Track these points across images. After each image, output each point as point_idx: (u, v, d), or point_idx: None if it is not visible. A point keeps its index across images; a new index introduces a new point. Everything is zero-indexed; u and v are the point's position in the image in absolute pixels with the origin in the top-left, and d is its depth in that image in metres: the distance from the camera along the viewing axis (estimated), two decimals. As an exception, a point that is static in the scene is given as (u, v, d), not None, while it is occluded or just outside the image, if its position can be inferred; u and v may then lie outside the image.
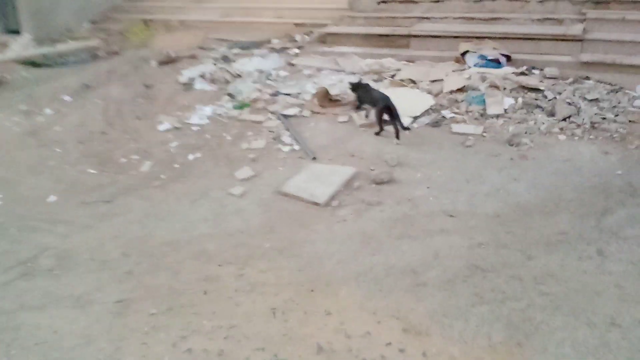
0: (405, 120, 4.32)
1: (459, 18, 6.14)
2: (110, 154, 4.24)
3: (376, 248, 2.83)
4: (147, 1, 9.58)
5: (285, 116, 4.71)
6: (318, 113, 4.77)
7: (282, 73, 5.70)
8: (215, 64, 5.98)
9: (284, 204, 3.37)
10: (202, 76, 5.62)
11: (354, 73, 5.53)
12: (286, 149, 4.13)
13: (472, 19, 6.06)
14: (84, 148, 4.37)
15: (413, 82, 5.02)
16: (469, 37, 5.70)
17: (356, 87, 4.56)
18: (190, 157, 4.14)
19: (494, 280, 2.50)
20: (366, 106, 4.50)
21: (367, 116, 4.47)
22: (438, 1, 6.56)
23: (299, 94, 5.17)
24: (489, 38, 5.57)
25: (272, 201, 3.42)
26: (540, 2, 5.99)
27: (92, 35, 8.26)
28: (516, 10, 6.10)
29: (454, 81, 4.76)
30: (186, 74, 5.72)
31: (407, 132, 4.21)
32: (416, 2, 6.66)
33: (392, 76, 5.32)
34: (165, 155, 4.18)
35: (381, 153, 3.91)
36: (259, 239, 3.01)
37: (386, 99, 4.17)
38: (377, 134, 4.21)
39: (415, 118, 4.36)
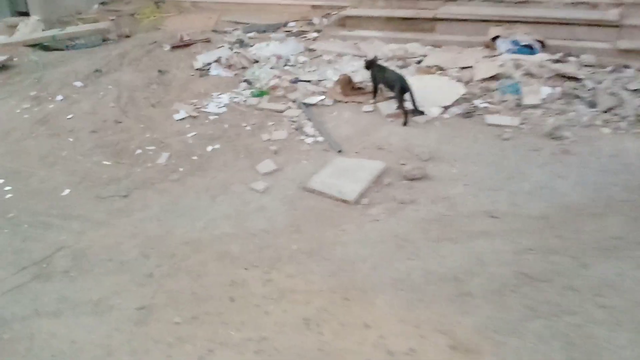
0: (435, 110, 4.09)
1: (487, 1, 5.82)
2: (125, 144, 4.05)
3: (413, 252, 2.63)
4: (157, -19, 9.29)
5: (307, 105, 4.49)
6: (340, 101, 4.54)
7: (301, 58, 5.45)
8: (231, 49, 5.74)
9: (310, 202, 3.18)
10: (218, 61, 5.39)
11: (378, 57, 5.27)
12: (309, 140, 3.92)
13: (501, 1, 5.74)
14: (97, 138, 4.19)
15: (441, 69, 4.76)
16: (498, 22, 5.39)
17: (370, 64, 4.37)
18: (209, 148, 3.94)
19: (547, 291, 2.31)
20: (381, 86, 4.36)
21: (374, 97, 4.40)
22: (463, -17, 6.24)
23: (320, 81, 4.93)
24: (520, 22, 5.27)
25: (297, 198, 3.22)
26: (573, -16, 5.66)
27: (102, 18, 8.01)
28: (547, -8, 5.78)
29: (485, 68, 4.50)
30: (201, 59, 5.49)
31: (422, 118, 4.00)
32: (440, -16, 6.34)
33: (419, 62, 5.06)
34: (183, 146, 3.99)
35: (411, 146, 3.69)
36: (285, 240, 2.83)
37: (402, 79, 4.08)
38: (404, 124, 3.99)
39: (446, 108, 4.12)
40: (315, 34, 6.19)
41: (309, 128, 4.10)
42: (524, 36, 4.84)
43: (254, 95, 4.71)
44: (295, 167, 3.59)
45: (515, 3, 5.68)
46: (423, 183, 3.24)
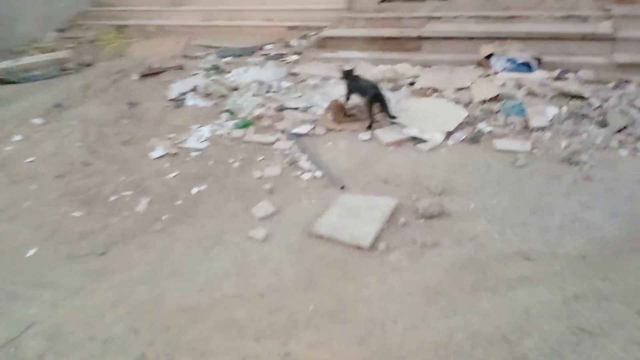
0: (438, 137, 3.86)
1: (473, 17, 5.73)
2: (97, 190, 3.63)
3: (449, 307, 2.34)
4: (118, 5, 8.90)
5: (297, 135, 4.19)
6: (333, 130, 4.26)
7: (285, 84, 5.17)
8: (207, 76, 5.40)
9: (319, 249, 2.85)
10: (194, 90, 5.04)
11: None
12: (306, 176, 3.61)
13: (487, 17, 5.67)
14: (64, 184, 3.74)
15: (436, 90, 4.57)
16: (487, 39, 5.29)
17: (347, 74, 4.33)
18: (195, 190, 3.57)
19: (609, 348, 2.05)
20: (355, 96, 4.33)
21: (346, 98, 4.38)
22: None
23: (308, 107, 4.65)
24: (511, 39, 5.17)
25: (304, 246, 2.89)
26: (559, -3, 5.64)
27: (59, 46, 7.54)
28: (532, 7, 5.74)
29: (485, 89, 4.33)
30: (175, 89, 5.14)
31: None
32: (423, 1, 6.24)
33: (411, 84, 4.86)
34: (164, 189, 3.60)
35: (419, 178, 3.43)
36: (299, 299, 2.49)
37: (375, 87, 4.12)
38: (369, 127, 4.11)
39: (449, 133, 3.90)
40: (295, 57, 5.93)
41: (304, 162, 3.79)
42: (519, 53, 4.71)
43: (238, 127, 4.38)
44: (296, 208, 3.26)
45: (503, 18, 5.60)
46: (442, 221, 2.97)
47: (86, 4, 8.97)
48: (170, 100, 5.00)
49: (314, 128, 4.29)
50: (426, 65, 5.28)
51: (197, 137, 4.29)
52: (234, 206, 3.36)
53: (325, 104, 4.64)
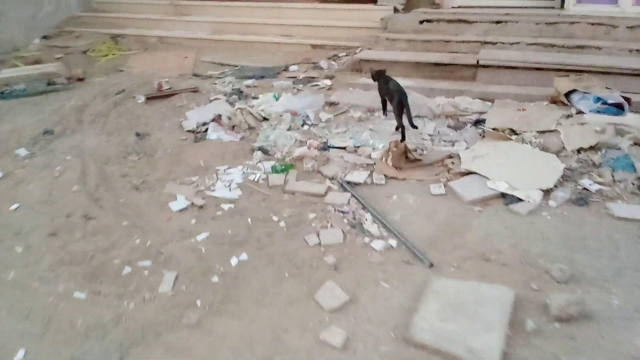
0: (536, 196, 3.17)
1: (534, 44, 5.12)
2: (103, 257, 2.82)
3: None
4: (113, 12, 8.13)
5: (352, 184, 3.46)
6: (395, 178, 3.55)
7: (323, 115, 4.45)
8: (230, 102, 4.65)
9: (426, 367, 2.11)
10: (216, 121, 4.27)
11: (420, 116, 4.36)
12: (378, 245, 2.87)
13: (552, 45, 5.06)
14: (60, 246, 2.92)
15: (514, 132, 3.90)
16: (556, 70, 4.68)
17: (379, 75, 4.29)
18: (234, 261, 2.79)
19: None
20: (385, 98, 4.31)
21: (384, 113, 4.47)
22: (499, 22, 5.54)
23: (357, 147, 3.93)
24: (587, 72, 4.56)
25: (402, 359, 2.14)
26: (631, 28, 5.07)
27: (45, 55, 6.72)
28: (600, 36, 5.16)
29: (577, 134, 3.68)
30: (193, 117, 4.36)
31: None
32: (470, 23, 5.62)
33: (478, 122, 4.18)
34: (193, 258, 2.82)
35: (529, 254, 2.72)
36: None
37: (402, 91, 3.97)
38: (397, 129, 4.07)
39: (547, 191, 3.22)
40: (327, 82, 5.22)
41: (370, 224, 3.05)
42: (606, 91, 4.09)
43: (276, 171, 3.62)
44: (375, 296, 2.51)
45: (571, 48, 5.00)
46: (585, 327, 2.25)
47: (76, 8, 8.16)
48: (188, 131, 4.22)
49: (370, 175, 3.57)
50: (486, 98, 4.62)
51: (226, 182, 3.52)
52: (289, 288, 2.59)
53: (377, 142, 3.93)
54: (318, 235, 2.97)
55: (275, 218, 3.15)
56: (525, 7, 6.15)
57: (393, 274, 2.66)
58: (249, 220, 3.14)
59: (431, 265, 2.69)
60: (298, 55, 6.22)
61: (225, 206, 3.28)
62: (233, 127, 4.21)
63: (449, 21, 5.70)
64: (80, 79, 5.84)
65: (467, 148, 3.77)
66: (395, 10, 6.47)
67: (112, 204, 3.32)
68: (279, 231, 3.04)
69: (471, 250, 2.79)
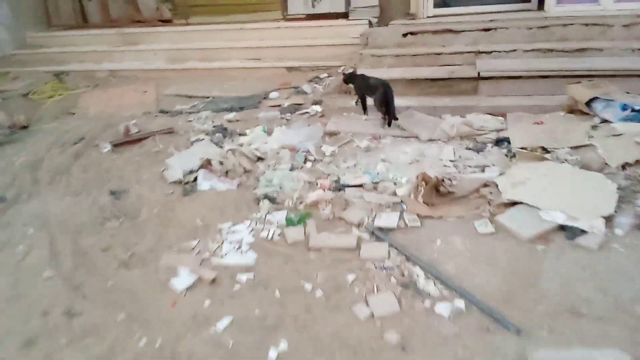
0: (599, 225, 2.80)
1: (532, 51, 4.87)
2: (102, 371, 2.19)
3: None
4: (53, 46, 7.32)
5: (384, 231, 2.98)
6: (430, 217, 3.10)
7: (326, 148, 3.95)
8: (216, 143, 4.07)
9: None
10: (205, 167, 3.68)
11: (433, 140, 3.97)
12: (444, 309, 2.38)
13: (550, 50, 4.83)
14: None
15: (545, 150, 3.56)
16: (563, 77, 4.43)
17: (351, 77, 4.49)
18: (272, 353, 2.23)
19: None
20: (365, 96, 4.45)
21: (357, 103, 4.59)
22: (487, 30, 5.27)
23: (376, 183, 3.46)
24: (593, 76, 4.33)
25: None
26: (626, 26, 4.92)
27: (-22, 102, 5.87)
28: (595, 37, 4.99)
29: (617, 148, 3.37)
30: (175, 165, 3.75)
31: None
32: (457, 32, 5.33)
33: (499, 141, 3.82)
34: (220, 355, 2.23)
35: (621, 300, 2.33)
36: None
37: (385, 84, 4.12)
38: (389, 125, 4.21)
39: (607, 218, 2.86)
40: (317, 108, 4.74)
41: (424, 281, 2.57)
42: (628, 97, 3.84)
43: (292, 223, 3.09)
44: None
45: (570, 52, 4.78)
46: None
47: (9, 46, 7.29)
48: (173, 183, 3.60)
49: (401, 217, 3.10)
50: (496, 113, 4.29)
51: (235, 244, 2.95)
52: (356, 386, 2.06)
53: (399, 176, 3.47)
54: (367, 303, 2.46)
55: (308, 286, 2.61)
56: (502, 12, 5.95)
57: (476, 348, 2.18)
58: (277, 293, 2.58)
59: (518, 331, 2.24)
60: (273, 79, 5.72)
61: (243, 276, 2.70)
62: (227, 172, 3.63)
63: (435, 32, 5.38)
64: (24, 127, 5.08)
65: (501, 174, 3.38)
66: (371, 24, 6.12)
67: (98, 290, 2.66)
68: (317, 304, 2.50)
69: (557, 304, 2.37)
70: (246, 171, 3.69)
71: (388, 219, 3.07)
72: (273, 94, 5.18)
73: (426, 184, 3.25)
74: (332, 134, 4.17)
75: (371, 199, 3.30)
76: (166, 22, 7.53)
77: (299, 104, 4.87)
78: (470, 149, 3.83)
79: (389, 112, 4.15)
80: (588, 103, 3.93)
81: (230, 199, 3.39)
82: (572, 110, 4.08)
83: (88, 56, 6.92)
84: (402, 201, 3.24)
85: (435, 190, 3.25)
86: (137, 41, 7.01)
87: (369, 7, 6.21)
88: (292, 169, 3.68)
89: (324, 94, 5.07)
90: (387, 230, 2.99)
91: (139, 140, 4.25)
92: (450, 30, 5.33)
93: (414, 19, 6.13)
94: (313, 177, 3.57)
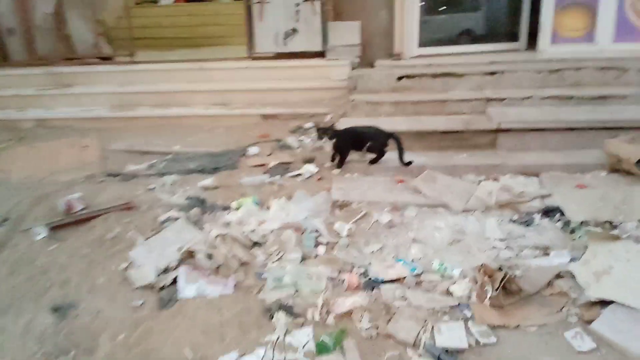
0: None
1: (549, 98, 4.41)
2: None
3: None
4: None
5: (451, 354, 2.22)
6: (503, 327, 2.38)
7: (341, 226, 3.15)
8: (190, 219, 3.16)
9: None
10: (186, 261, 2.76)
11: (468, 210, 3.30)
12: None
13: (570, 98, 4.38)
14: None
15: (612, 225, 2.97)
16: (592, 129, 3.97)
17: (334, 132, 3.89)
18: None
19: None
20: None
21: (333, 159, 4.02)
22: (493, 73, 4.79)
23: (418, 276, 2.71)
24: (626, 128, 3.90)
25: None
26: (641, 69, 4.60)
27: None
28: (610, 82, 4.63)
29: None
30: (142, 259, 2.80)
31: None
32: (459, 76, 4.82)
33: (548, 212, 3.21)
34: None
35: None
36: None
37: (392, 133, 3.83)
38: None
39: None
40: (311, 168, 3.95)
41: None
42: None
43: (325, 350, 2.25)
44: None
45: (591, 100, 4.36)
46: None
47: None
48: (141, 287, 2.65)
49: (467, 329, 2.36)
50: (527, 172, 3.71)
51: (248, 390, 2.06)
52: None
53: (450, 267, 2.74)
54: None
55: None
56: (493, 52, 5.56)
57: None
58: None
59: None
60: (247, 130, 4.89)
61: None
62: (217, 268, 2.74)
63: (434, 76, 4.83)
64: None
65: (573, 259, 2.74)
66: (353, 65, 5.49)
67: None
68: None
69: None
70: (242, 264, 2.81)
71: (453, 335, 2.31)
72: (252, 150, 4.35)
73: (490, 278, 2.56)
74: (342, 206, 3.40)
75: (419, 301, 2.53)
76: (106, 59, 6.54)
77: (287, 163, 4.07)
78: (515, 221, 3.18)
79: (401, 157, 3.82)
80: (638, 162, 3.44)
81: (229, 311, 2.49)
82: (616, 169, 3.58)
83: (8, 101, 5.76)
84: (459, 304, 2.51)
85: (502, 286, 2.55)
86: (72, 82, 5.96)
87: (349, 46, 5.59)
88: (303, 260, 2.85)
89: (313, 148, 4.31)
90: (455, 354, 2.23)
91: (87, 220, 3.25)
92: (451, 74, 4.80)
93: (399, 59, 5.60)
94: (333, 270, 2.76)
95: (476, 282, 2.58)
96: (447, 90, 4.77)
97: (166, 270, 2.74)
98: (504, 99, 4.44)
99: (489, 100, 4.46)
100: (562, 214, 3.17)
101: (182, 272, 2.68)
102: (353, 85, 5.00)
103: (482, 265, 2.62)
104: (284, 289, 2.60)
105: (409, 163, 3.83)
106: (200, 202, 3.37)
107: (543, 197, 3.37)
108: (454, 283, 2.62)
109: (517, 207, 3.31)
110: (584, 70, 4.63)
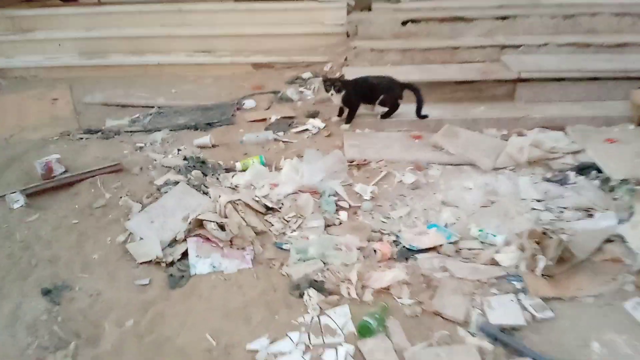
0: None
1: (566, 45, 4.12)
2: None
3: None
4: None
5: (508, 333, 2.00)
6: (558, 299, 2.16)
7: (363, 188, 2.84)
8: (192, 183, 2.78)
9: None
10: (195, 231, 2.41)
11: (499, 168, 3.04)
12: None
13: (588, 45, 4.10)
14: None
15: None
16: (615, 79, 3.73)
17: (344, 85, 3.43)
18: None
19: None
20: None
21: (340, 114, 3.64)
22: (505, 18, 4.44)
23: (455, 243, 2.45)
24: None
25: None
26: (660, 15, 4.35)
27: None
28: (625, 30, 4.36)
29: None
30: (142, 231, 2.44)
31: None
32: (468, 21, 4.47)
33: (582, 169, 2.97)
34: None
35: None
36: None
37: (410, 86, 3.52)
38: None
39: None
40: (318, 123, 3.58)
41: None
42: None
43: (369, 332, 1.98)
44: None
45: (610, 47, 4.10)
46: None
47: None
48: (143, 264, 2.29)
49: (519, 302, 2.13)
50: (552, 126, 3.45)
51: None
52: None
53: (489, 233, 2.48)
54: None
55: None
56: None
57: None
58: None
59: None
60: (238, 80, 4.44)
61: None
62: (231, 241, 2.40)
63: (442, 20, 4.45)
64: None
65: (621, 221, 2.53)
66: (349, 8, 5.03)
67: None
68: None
69: None
70: (259, 233, 2.49)
71: (507, 311, 2.09)
72: (248, 103, 3.92)
73: (539, 245, 2.32)
74: (359, 165, 3.07)
75: (463, 272, 2.28)
76: (70, 0, 5.83)
77: (289, 117, 3.69)
78: (550, 180, 2.94)
79: (419, 109, 3.54)
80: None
81: (252, 290, 2.18)
82: (645, 122, 3.38)
83: (-40, 48, 5.08)
84: (507, 275, 2.28)
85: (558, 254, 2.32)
86: (32, 27, 5.28)
87: (344, -13, 5.11)
88: (327, 227, 2.55)
89: (317, 101, 3.93)
90: (510, 330, 2.01)
91: (70, 185, 2.83)
92: (460, 18, 4.42)
93: (398, 1, 5.15)
94: (362, 238, 2.47)
95: (522, 250, 2.34)
96: (455, 36, 4.41)
97: (172, 244, 2.39)
98: (519, 46, 4.12)
99: (503, 47, 4.14)
100: (599, 171, 2.95)
101: (191, 245, 2.34)
102: (353, 30, 4.57)
103: (528, 230, 2.37)
104: (310, 262, 2.30)
105: (425, 116, 3.52)
106: (201, 163, 2.97)
107: (574, 153, 3.13)
108: (498, 251, 2.38)
109: (549, 164, 3.07)
110: (599, 16, 4.34)
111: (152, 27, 5.15)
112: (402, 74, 3.79)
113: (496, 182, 2.93)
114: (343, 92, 3.43)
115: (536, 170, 3.04)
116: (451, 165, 3.10)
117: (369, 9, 5.10)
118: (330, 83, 3.41)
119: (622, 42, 4.08)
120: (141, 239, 2.40)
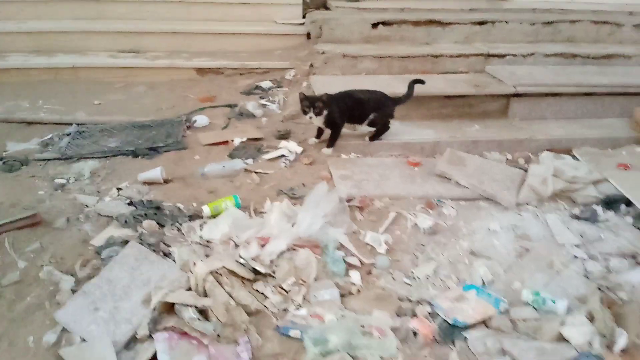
0: None
1: (554, 56, 3.84)
2: None
3: None
4: None
5: None
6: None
7: (375, 238, 2.25)
8: (143, 240, 2.03)
9: None
10: (164, 321, 1.69)
11: (520, 205, 2.60)
12: None
13: (574, 56, 3.85)
14: None
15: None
16: (609, 94, 3.49)
17: (329, 100, 2.79)
18: None
19: None
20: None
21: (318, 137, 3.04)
22: (483, 23, 4.09)
23: (503, 313, 1.95)
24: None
25: None
26: (637, 26, 4.21)
27: None
28: (605, 39, 4.20)
29: None
30: (80, 324, 1.67)
31: None
32: (443, 24, 4.06)
33: (609, 203, 2.61)
34: None
35: None
36: None
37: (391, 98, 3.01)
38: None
39: None
40: (294, 146, 2.93)
41: None
42: None
43: None
44: None
45: (597, 59, 3.88)
46: None
47: None
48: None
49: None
50: (556, 149, 3.11)
51: None
52: None
53: (550, 298, 2.00)
54: None
55: None
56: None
57: None
58: None
59: None
60: (179, 89, 3.66)
61: None
62: (218, 335, 1.71)
63: (416, 23, 3.99)
64: None
65: None
66: (306, 5, 4.44)
67: None
68: None
69: None
70: (251, 314, 1.82)
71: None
72: (199, 119, 3.18)
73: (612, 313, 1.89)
74: (361, 207, 2.48)
75: (529, 357, 1.78)
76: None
77: (257, 140, 3.00)
78: (578, 217, 2.56)
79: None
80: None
81: None
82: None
83: None
84: (580, 354, 1.82)
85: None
86: None
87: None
88: (343, 297, 1.94)
89: (285, 117, 3.27)
90: None
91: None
92: (436, 22, 3.99)
93: (357, 0, 4.65)
94: (390, 312, 1.90)
95: (591, 319, 1.90)
96: (431, 42, 3.99)
97: (131, 344, 1.65)
98: (504, 56, 3.77)
99: (487, 56, 3.76)
100: (627, 204, 2.62)
101: (162, 347, 1.62)
102: (316, 32, 3.98)
103: (598, 294, 1.93)
104: (334, 358, 1.69)
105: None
106: (155, 209, 2.22)
107: (594, 182, 2.78)
108: (563, 323, 1.92)
109: (572, 197, 2.69)
110: (579, 23, 4.13)
111: (62, 20, 4.18)
112: (380, 85, 3.24)
113: (523, 222, 2.49)
114: (325, 113, 2.81)
115: (560, 205, 2.65)
116: (464, 200, 2.62)
117: (325, 7, 4.55)
118: (310, 103, 2.77)
119: (607, 53, 3.88)
120: (83, 340, 1.64)
